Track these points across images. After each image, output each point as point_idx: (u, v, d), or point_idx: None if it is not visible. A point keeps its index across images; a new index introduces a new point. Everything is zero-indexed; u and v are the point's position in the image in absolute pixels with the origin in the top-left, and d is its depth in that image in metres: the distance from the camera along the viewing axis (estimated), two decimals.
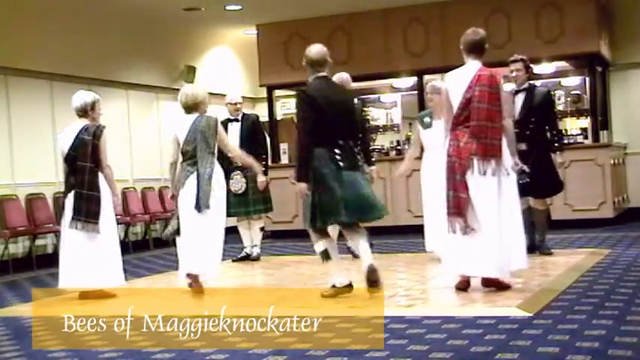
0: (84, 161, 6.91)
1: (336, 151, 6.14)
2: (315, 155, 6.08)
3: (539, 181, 7.94)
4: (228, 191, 9.02)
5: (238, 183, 9.03)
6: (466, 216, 5.94)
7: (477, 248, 5.95)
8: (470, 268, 6.06)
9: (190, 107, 7.08)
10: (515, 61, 8.03)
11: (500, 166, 6.00)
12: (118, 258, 6.99)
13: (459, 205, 5.97)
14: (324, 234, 6.27)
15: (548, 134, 8.08)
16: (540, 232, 8.22)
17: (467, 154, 5.98)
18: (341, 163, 6.12)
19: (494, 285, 6.12)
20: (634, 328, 4.64)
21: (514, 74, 8.05)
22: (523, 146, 7.92)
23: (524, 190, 7.99)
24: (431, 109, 8.10)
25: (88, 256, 6.85)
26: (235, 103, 9.23)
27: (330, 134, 6.14)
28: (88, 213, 6.86)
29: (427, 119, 8.12)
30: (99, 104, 7.12)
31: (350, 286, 6.24)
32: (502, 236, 5.97)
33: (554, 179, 8.23)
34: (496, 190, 5.99)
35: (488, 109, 5.99)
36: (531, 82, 8.21)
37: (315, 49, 6.32)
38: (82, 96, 7.10)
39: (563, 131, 12.94)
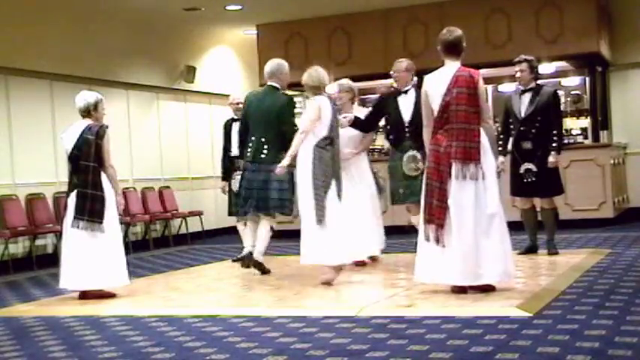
0: (87, 161, 6.90)
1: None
2: None
3: (545, 180, 7.94)
4: (230, 190, 9.12)
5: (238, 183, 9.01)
6: (443, 226, 5.85)
7: (448, 256, 5.86)
8: (440, 277, 5.99)
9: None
10: (520, 61, 8.03)
11: (478, 170, 5.87)
12: (121, 258, 6.96)
13: (439, 215, 5.86)
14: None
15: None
16: (549, 231, 8.22)
17: (447, 159, 5.88)
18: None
19: (464, 291, 6.00)
20: (634, 328, 4.64)
21: (518, 74, 8.06)
22: (528, 145, 7.94)
23: (529, 190, 8.00)
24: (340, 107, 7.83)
25: (90, 257, 6.82)
26: (237, 103, 9.23)
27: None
28: (91, 212, 6.84)
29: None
30: (102, 104, 7.12)
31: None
32: (476, 243, 5.84)
33: (559, 179, 8.22)
34: (473, 195, 5.85)
35: (466, 111, 5.88)
36: (538, 82, 8.20)
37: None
38: (85, 96, 7.10)
39: (564, 131, 12.98)
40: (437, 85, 6.01)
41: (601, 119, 12.22)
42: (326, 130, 6.86)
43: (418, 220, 6.37)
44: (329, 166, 6.84)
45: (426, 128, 6.14)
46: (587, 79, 12.44)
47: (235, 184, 8.83)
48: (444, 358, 4.24)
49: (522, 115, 7.98)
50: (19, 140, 10.37)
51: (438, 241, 5.88)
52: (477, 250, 5.84)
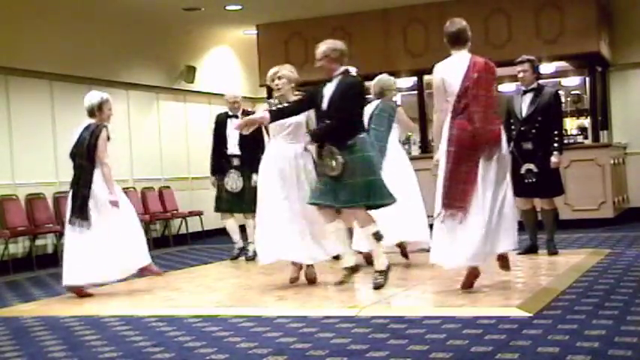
0: (81, 159, 7.03)
1: None
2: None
3: (545, 181, 7.94)
4: (221, 188, 9.12)
5: (235, 182, 9.06)
6: (467, 208, 5.88)
7: (468, 237, 5.88)
8: (458, 259, 5.97)
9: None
10: (522, 62, 8.03)
11: (501, 152, 5.99)
12: (112, 254, 7.02)
13: (463, 198, 5.89)
14: None
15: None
16: (549, 231, 8.21)
17: (474, 142, 5.88)
18: None
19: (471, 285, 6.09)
20: (634, 328, 4.64)
21: (521, 75, 8.06)
22: (529, 145, 7.94)
23: (530, 191, 7.99)
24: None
25: (78, 253, 6.96)
26: (234, 101, 9.27)
27: None
28: (78, 210, 6.98)
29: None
30: (107, 105, 7.19)
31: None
32: (497, 220, 5.95)
33: (559, 180, 8.23)
34: (494, 174, 5.96)
35: (486, 95, 5.97)
36: (540, 82, 8.19)
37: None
38: (90, 97, 7.20)
39: (564, 131, 12.98)
40: (453, 71, 6.07)
41: (601, 119, 12.22)
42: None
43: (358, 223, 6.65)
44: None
45: (440, 113, 6.11)
46: (587, 79, 12.44)
47: (233, 183, 8.83)
48: (444, 358, 4.24)
49: (523, 115, 7.98)
50: (19, 140, 10.37)
51: (460, 221, 5.89)
52: (497, 226, 5.95)
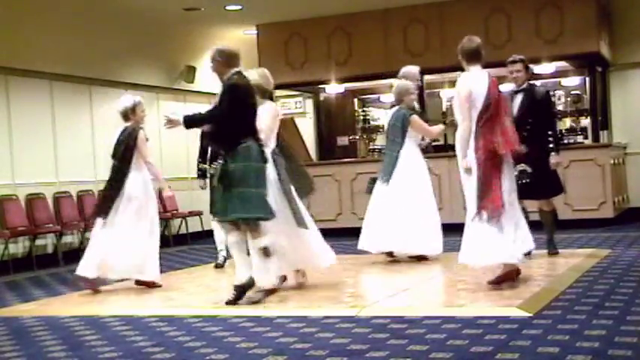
0: (116, 160, 7.38)
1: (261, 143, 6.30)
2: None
3: (540, 182, 7.90)
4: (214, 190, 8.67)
5: None
6: (502, 211, 6.21)
7: (502, 237, 6.17)
8: (493, 257, 6.19)
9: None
10: (515, 61, 8.00)
11: (510, 160, 6.42)
12: (120, 252, 7.21)
13: (497, 202, 6.20)
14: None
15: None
16: (548, 232, 8.20)
17: (497, 153, 6.25)
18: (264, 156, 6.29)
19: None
20: (634, 328, 4.64)
21: (514, 75, 8.03)
22: (522, 147, 7.87)
23: (525, 192, 7.92)
24: None
25: (96, 247, 7.25)
26: None
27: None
28: (97, 207, 7.43)
29: None
30: (140, 107, 7.46)
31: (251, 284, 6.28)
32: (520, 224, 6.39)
33: (556, 179, 8.21)
34: (510, 182, 6.37)
35: (506, 111, 6.50)
36: (531, 82, 8.17)
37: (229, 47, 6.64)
38: (123, 101, 7.50)
39: (563, 131, 13.01)
40: (477, 85, 6.35)
41: (601, 119, 12.22)
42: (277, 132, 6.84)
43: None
44: (282, 168, 6.72)
45: (467, 122, 6.34)
46: (587, 79, 12.44)
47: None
48: (444, 358, 4.24)
49: (514, 116, 7.90)
50: (19, 140, 10.37)
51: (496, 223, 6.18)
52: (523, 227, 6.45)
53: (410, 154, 8.11)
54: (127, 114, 7.40)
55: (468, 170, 6.36)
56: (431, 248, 7.98)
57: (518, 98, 7.96)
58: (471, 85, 6.38)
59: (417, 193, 8.02)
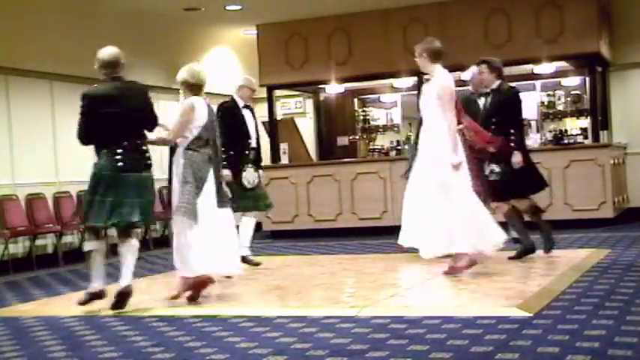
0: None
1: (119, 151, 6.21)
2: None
3: (510, 182, 7.78)
4: (235, 185, 8.15)
5: (252, 176, 8.36)
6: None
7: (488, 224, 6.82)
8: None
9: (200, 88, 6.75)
10: (479, 63, 8.01)
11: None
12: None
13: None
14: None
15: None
16: (515, 230, 8.15)
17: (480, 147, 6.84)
18: (121, 164, 6.18)
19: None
20: (634, 328, 4.64)
21: (479, 76, 8.05)
22: (490, 147, 7.78)
23: (495, 193, 7.82)
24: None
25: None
26: (254, 90, 8.74)
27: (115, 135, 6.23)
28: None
29: None
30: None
31: (100, 294, 6.29)
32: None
33: (532, 177, 7.98)
34: None
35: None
36: (501, 81, 7.94)
37: (107, 51, 6.66)
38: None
39: (563, 131, 13.01)
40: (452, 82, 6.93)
41: (601, 119, 12.22)
42: (198, 131, 6.55)
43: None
44: (200, 169, 6.51)
45: (453, 122, 6.84)
46: (587, 79, 12.43)
47: (252, 177, 8.28)
48: (444, 358, 4.24)
49: (482, 116, 7.89)
50: (19, 140, 10.37)
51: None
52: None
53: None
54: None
55: (458, 166, 6.66)
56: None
57: (488, 100, 7.96)
58: (453, 85, 6.79)
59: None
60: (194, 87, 6.67)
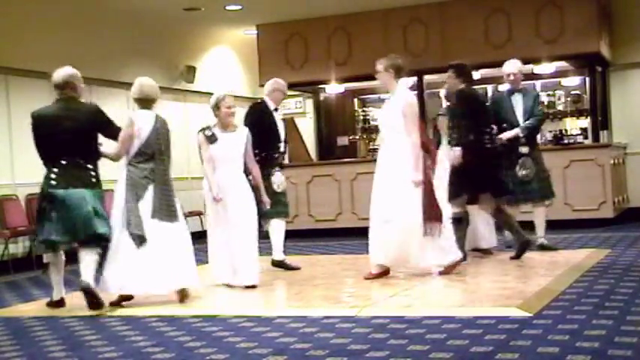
0: None
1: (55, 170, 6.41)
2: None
3: (451, 180, 7.79)
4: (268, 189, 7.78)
5: (280, 180, 8.16)
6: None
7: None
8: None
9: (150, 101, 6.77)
10: (448, 68, 8.05)
11: None
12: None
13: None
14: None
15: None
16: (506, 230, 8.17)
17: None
18: (54, 182, 6.35)
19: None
20: (634, 328, 4.65)
21: (446, 81, 8.13)
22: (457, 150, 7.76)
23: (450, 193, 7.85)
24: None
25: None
26: (286, 94, 8.54)
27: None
28: None
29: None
30: (224, 102, 7.09)
31: (58, 303, 6.58)
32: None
33: (467, 179, 7.76)
34: None
35: None
36: (463, 86, 7.87)
37: (59, 72, 6.84)
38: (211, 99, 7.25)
39: (564, 131, 13.02)
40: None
41: (601, 119, 12.22)
42: (139, 146, 6.51)
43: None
44: (136, 185, 6.44)
45: (417, 139, 6.97)
46: (587, 79, 12.44)
47: (281, 182, 8.12)
48: (444, 358, 4.24)
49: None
50: (19, 140, 10.35)
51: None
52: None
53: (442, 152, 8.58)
54: (214, 110, 7.12)
55: (419, 184, 6.83)
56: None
57: (451, 103, 8.07)
58: (415, 98, 7.14)
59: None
60: (140, 101, 6.76)
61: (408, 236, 6.86)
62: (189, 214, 12.80)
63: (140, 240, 6.31)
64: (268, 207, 7.27)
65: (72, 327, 5.81)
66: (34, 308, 6.82)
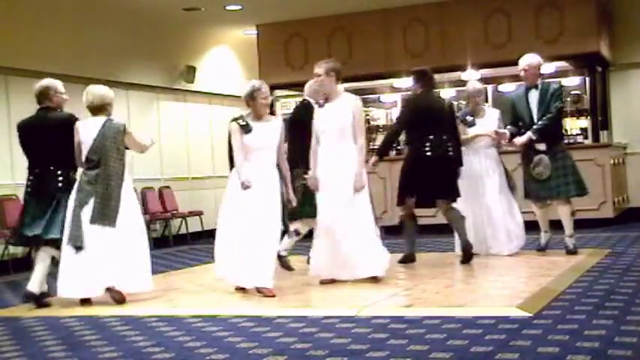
0: None
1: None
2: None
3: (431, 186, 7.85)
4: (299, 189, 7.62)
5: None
6: None
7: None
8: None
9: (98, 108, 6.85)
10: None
11: None
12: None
13: None
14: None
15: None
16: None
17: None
18: (29, 189, 6.92)
19: None
20: (634, 328, 4.64)
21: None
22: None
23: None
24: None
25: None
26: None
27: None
28: None
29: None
30: (260, 93, 6.82)
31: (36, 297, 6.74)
32: None
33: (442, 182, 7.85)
34: None
35: None
36: (420, 92, 8.02)
37: (39, 83, 7.18)
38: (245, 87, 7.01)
39: (564, 131, 12.99)
40: None
41: (601, 119, 12.22)
42: (85, 153, 6.70)
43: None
44: (82, 191, 6.59)
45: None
46: (587, 79, 12.44)
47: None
48: (444, 358, 4.24)
49: None
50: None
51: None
52: None
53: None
54: (247, 101, 6.84)
55: (362, 189, 6.84)
56: None
57: None
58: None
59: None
60: (89, 108, 6.89)
61: (353, 247, 6.85)
62: (189, 214, 12.82)
63: (76, 247, 6.51)
64: (294, 204, 7.08)
65: (72, 327, 5.81)
66: (33, 308, 6.81)
